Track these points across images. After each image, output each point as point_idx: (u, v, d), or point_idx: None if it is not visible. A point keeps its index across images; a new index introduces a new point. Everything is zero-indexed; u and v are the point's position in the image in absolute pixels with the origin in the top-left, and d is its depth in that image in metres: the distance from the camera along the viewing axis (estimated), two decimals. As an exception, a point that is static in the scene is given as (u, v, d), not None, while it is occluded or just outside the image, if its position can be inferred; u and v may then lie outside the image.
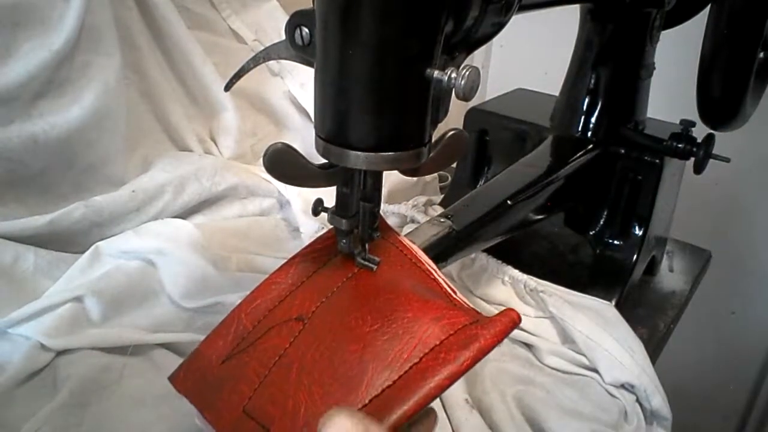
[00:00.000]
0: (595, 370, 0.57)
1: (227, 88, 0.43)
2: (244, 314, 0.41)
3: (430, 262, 0.42)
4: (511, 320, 0.36)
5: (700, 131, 0.69)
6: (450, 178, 0.87)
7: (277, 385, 0.36)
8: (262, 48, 0.40)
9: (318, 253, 0.44)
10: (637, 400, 0.56)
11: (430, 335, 0.36)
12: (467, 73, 0.34)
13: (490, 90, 1.28)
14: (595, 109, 0.72)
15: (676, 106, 0.73)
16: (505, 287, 0.64)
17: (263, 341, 0.39)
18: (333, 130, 0.35)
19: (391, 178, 0.78)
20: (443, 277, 0.41)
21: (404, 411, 0.33)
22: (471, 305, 0.39)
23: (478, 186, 0.81)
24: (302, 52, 0.36)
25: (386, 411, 0.33)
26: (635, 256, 0.70)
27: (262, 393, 0.36)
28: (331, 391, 0.35)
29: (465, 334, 0.35)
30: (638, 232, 0.71)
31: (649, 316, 0.71)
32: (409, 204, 0.73)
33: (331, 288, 0.41)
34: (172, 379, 0.41)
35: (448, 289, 0.40)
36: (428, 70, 0.34)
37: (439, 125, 0.38)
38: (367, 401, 0.34)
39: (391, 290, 0.39)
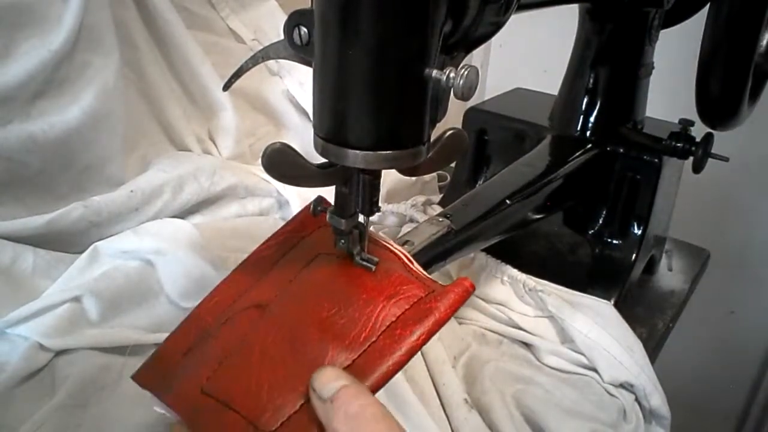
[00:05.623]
0: (594, 370, 0.57)
1: (226, 87, 0.43)
2: (204, 311, 0.42)
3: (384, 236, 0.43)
4: (464, 290, 0.36)
5: (699, 130, 0.69)
6: (449, 178, 0.87)
7: (239, 366, 0.37)
8: (261, 47, 0.40)
9: (274, 249, 0.44)
10: (636, 400, 0.56)
11: (386, 314, 0.36)
12: (466, 72, 0.34)
13: (489, 89, 1.28)
14: (594, 108, 0.72)
15: (675, 106, 0.73)
16: (504, 287, 0.64)
17: (224, 330, 0.40)
18: (331, 129, 0.35)
19: (389, 178, 0.78)
20: (399, 248, 0.42)
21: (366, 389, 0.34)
22: (428, 275, 0.40)
23: (477, 185, 0.81)
24: (301, 52, 0.36)
25: None
26: (634, 256, 0.70)
27: (223, 373, 0.37)
28: (295, 372, 0.35)
29: (420, 308, 0.36)
30: (637, 231, 0.71)
31: (648, 316, 0.71)
32: (407, 203, 0.73)
33: (288, 278, 0.41)
34: (135, 376, 0.41)
35: (406, 260, 0.41)
36: (427, 70, 0.34)
37: (438, 125, 0.38)
38: None
39: (346, 273, 0.40)
